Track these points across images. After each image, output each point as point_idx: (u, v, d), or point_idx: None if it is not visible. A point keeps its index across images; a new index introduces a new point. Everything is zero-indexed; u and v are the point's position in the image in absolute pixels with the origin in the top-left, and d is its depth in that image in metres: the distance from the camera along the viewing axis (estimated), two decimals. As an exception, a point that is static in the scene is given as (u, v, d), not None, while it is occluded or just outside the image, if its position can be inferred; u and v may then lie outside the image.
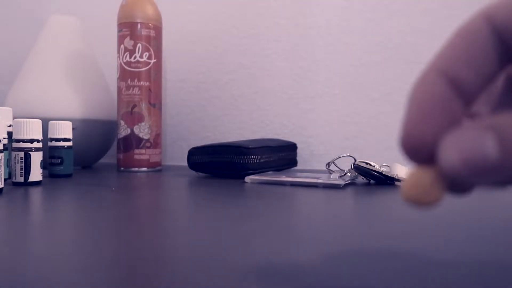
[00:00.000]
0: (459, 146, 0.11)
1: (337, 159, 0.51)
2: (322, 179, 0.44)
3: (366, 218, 0.27)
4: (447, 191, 0.13)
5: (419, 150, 0.13)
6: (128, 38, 0.62)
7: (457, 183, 0.13)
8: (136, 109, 0.62)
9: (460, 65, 0.13)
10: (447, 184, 0.13)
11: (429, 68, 0.13)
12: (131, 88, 0.62)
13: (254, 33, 0.75)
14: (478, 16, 0.13)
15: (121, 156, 0.63)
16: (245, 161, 0.52)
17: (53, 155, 0.51)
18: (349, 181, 0.45)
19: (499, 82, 0.15)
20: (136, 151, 0.62)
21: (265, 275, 0.16)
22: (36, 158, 0.43)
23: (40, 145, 0.44)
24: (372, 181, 0.49)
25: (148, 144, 0.63)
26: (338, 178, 0.46)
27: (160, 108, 0.65)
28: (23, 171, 0.43)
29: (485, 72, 0.13)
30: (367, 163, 0.47)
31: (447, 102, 0.13)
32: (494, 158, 0.11)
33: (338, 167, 0.51)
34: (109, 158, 0.82)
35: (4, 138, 0.43)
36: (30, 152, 0.43)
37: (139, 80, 0.62)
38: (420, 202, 0.13)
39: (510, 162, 0.11)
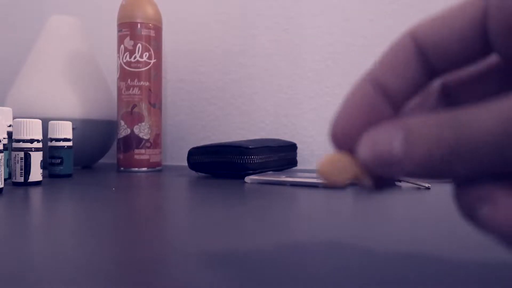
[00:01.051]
0: (373, 140, 0.13)
1: (337, 159, 0.51)
2: (322, 179, 0.44)
3: (366, 218, 0.27)
4: (369, 189, 0.15)
5: (343, 140, 0.15)
6: (128, 38, 0.62)
7: (377, 178, 0.15)
8: (136, 109, 0.62)
9: (387, 73, 0.15)
10: (369, 177, 0.15)
11: (364, 76, 0.15)
12: (131, 88, 0.62)
13: (254, 33, 0.75)
14: (406, 32, 0.15)
15: (121, 156, 0.63)
16: (245, 161, 0.52)
17: (53, 155, 0.51)
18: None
19: (435, 89, 0.16)
20: (136, 151, 0.62)
21: (265, 275, 0.16)
22: (36, 158, 0.43)
23: (40, 145, 0.44)
24: (372, 181, 0.49)
25: (148, 144, 0.63)
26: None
27: (160, 108, 0.65)
28: (23, 171, 0.43)
29: (411, 81, 0.15)
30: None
31: (372, 103, 0.15)
32: (399, 154, 0.13)
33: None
34: (109, 158, 0.82)
35: (4, 138, 0.43)
36: (30, 152, 0.43)
37: (139, 80, 0.62)
38: (328, 179, 0.15)
39: (412, 159, 0.13)
